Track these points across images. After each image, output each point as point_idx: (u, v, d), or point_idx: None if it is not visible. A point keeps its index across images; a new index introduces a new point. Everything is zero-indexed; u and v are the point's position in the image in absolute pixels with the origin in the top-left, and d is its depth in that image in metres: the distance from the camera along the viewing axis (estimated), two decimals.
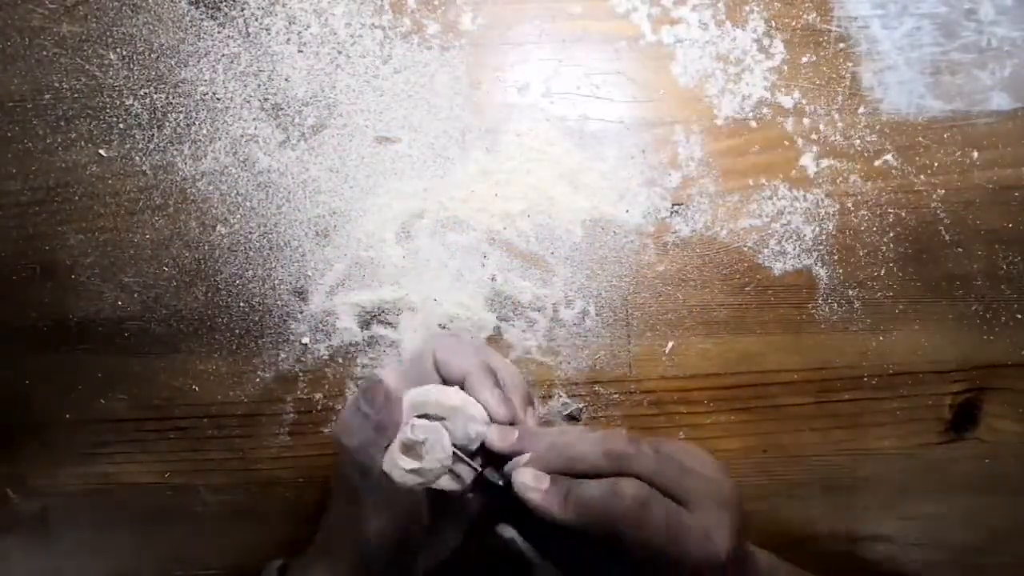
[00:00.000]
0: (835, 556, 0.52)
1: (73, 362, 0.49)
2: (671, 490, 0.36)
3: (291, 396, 0.50)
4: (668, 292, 0.51)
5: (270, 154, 0.50)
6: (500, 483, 0.38)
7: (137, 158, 0.50)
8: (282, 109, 0.51)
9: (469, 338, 0.49)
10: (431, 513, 0.39)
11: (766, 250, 0.52)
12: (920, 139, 0.52)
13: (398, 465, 0.37)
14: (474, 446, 0.38)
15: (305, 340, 0.50)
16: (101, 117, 0.50)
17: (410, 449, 0.38)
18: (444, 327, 0.50)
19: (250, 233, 0.50)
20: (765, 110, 0.52)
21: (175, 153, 0.50)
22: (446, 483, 0.38)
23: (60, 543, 0.50)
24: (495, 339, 0.51)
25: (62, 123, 0.50)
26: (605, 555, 0.36)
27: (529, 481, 0.36)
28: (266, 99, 0.51)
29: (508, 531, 0.38)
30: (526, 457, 0.37)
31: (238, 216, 0.50)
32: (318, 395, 0.50)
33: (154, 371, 0.50)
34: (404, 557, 0.40)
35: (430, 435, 0.37)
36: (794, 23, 0.53)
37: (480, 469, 0.38)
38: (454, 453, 0.38)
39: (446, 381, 0.40)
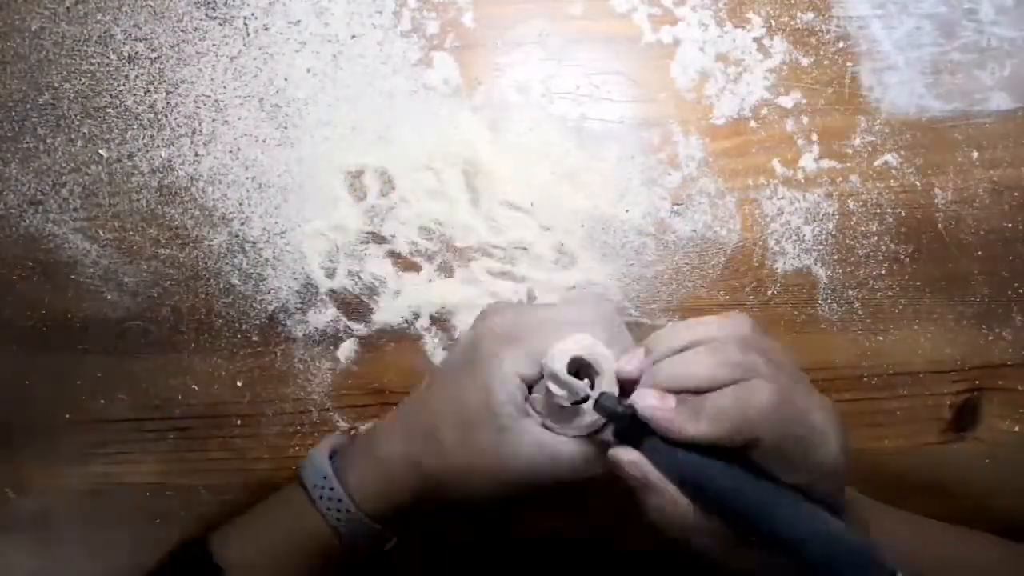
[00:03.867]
0: None
1: (73, 362, 0.49)
2: (793, 392, 0.35)
3: (291, 396, 0.50)
4: (668, 292, 0.51)
5: (270, 154, 0.50)
6: (619, 409, 0.36)
7: (137, 158, 0.50)
8: (282, 109, 0.51)
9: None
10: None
11: (766, 250, 0.52)
12: (920, 139, 0.52)
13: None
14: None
15: (305, 341, 0.50)
16: (101, 117, 0.50)
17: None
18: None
19: (250, 233, 0.50)
20: (765, 110, 0.52)
21: (175, 153, 0.50)
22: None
23: (60, 543, 0.50)
24: None
25: (62, 123, 0.50)
26: (732, 472, 0.35)
27: (653, 401, 0.35)
28: (266, 99, 0.51)
29: (629, 454, 0.36)
30: (644, 383, 0.37)
31: (238, 216, 0.50)
32: (317, 395, 0.50)
33: (154, 371, 0.50)
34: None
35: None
36: (794, 23, 0.53)
37: (599, 393, 0.37)
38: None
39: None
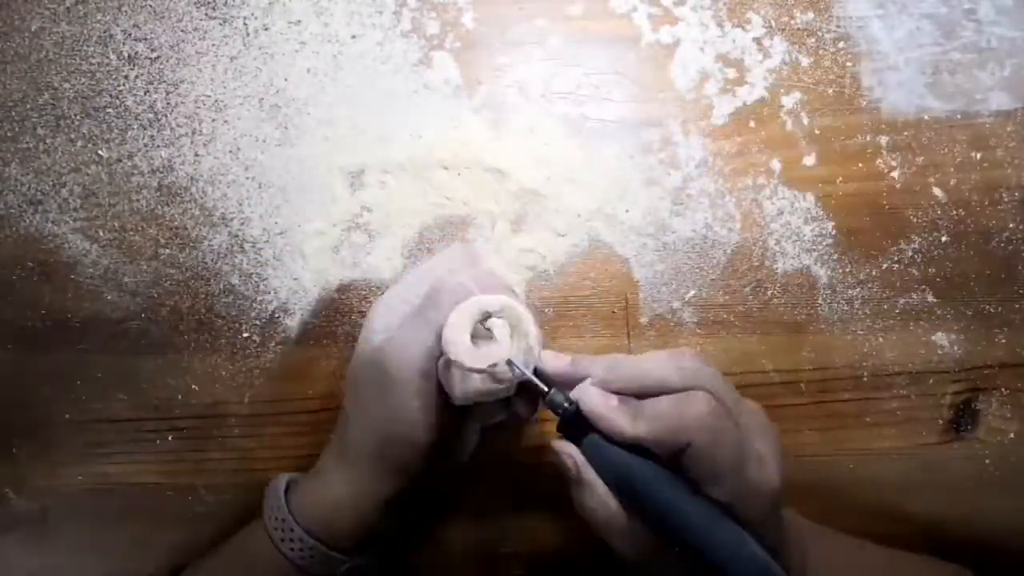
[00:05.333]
0: None
1: (73, 362, 0.49)
2: (733, 412, 0.35)
3: (291, 396, 0.50)
4: (667, 292, 0.51)
5: (270, 154, 0.50)
6: (566, 404, 0.36)
7: (137, 158, 0.50)
8: (282, 109, 0.51)
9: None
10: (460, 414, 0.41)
11: (766, 250, 0.52)
12: (920, 139, 0.52)
13: (467, 363, 0.37)
14: (528, 367, 0.38)
15: (305, 341, 0.50)
16: (101, 117, 0.50)
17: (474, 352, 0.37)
18: None
19: (250, 233, 0.50)
20: (765, 110, 0.52)
21: (175, 153, 0.50)
22: (494, 389, 0.38)
23: (60, 543, 0.50)
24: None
25: (62, 123, 0.50)
26: (662, 477, 0.35)
27: (597, 399, 0.35)
28: (266, 99, 0.51)
29: (567, 447, 0.37)
30: (591, 381, 0.36)
31: (238, 216, 0.50)
32: (317, 395, 0.50)
33: (154, 371, 0.50)
34: (430, 455, 0.41)
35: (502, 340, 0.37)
36: (794, 23, 0.53)
37: (547, 389, 0.37)
38: (517, 369, 0.37)
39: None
